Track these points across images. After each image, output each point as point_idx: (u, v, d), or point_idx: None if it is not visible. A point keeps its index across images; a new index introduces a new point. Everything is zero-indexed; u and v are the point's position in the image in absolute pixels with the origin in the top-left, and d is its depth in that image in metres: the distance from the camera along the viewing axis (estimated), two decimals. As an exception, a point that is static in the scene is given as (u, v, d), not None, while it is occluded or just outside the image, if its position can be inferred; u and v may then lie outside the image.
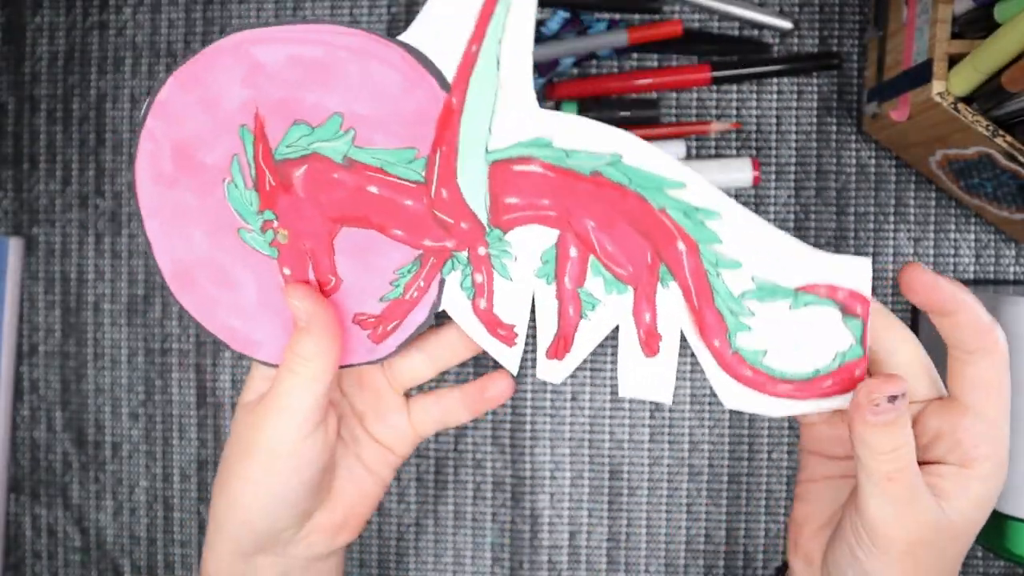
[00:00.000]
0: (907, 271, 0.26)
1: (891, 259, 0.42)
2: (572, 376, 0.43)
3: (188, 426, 0.45)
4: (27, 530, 0.46)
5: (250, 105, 0.27)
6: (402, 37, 0.26)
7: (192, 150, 0.28)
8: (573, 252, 0.28)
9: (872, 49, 0.40)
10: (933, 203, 0.42)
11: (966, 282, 0.41)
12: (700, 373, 0.43)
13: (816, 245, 0.42)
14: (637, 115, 0.42)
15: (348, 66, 0.26)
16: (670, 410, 0.43)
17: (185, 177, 0.28)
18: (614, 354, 0.43)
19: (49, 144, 0.45)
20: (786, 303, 0.26)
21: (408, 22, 0.43)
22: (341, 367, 0.31)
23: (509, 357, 0.30)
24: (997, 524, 0.34)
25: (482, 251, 0.28)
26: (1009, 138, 0.32)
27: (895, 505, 0.25)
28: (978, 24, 0.31)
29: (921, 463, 0.26)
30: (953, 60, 0.32)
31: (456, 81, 0.26)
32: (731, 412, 0.43)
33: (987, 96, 0.32)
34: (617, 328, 0.29)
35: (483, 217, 0.28)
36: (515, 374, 0.31)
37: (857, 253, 0.41)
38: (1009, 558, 0.35)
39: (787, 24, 0.41)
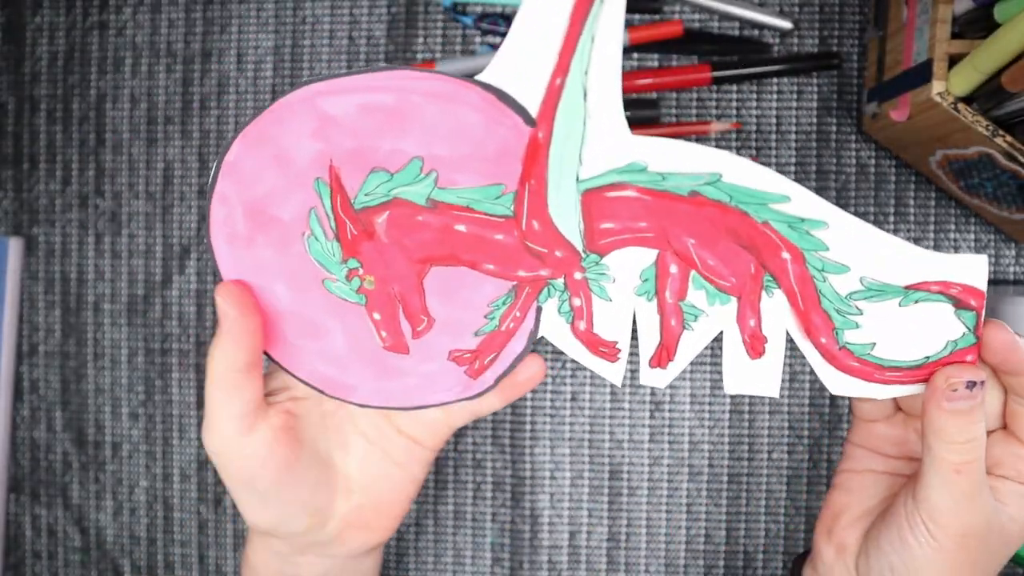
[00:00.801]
0: (989, 330, 0.26)
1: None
2: (572, 376, 0.43)
3: (188, 426, 0.45)
4: (27, 530, 0.46)
5: (323, 158, 0.27)
6: (480, 77, 0.26)
7: (266, 207, 0.27)
8: (673, 269, 0.28)
9: (872, 49, 0.40)
10: (933, 203, 0.42)
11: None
12: (700, 373, 0.43)
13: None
14: (637, 115, 0.42)
15: (424, 110, 0.26)
16: (670, 410, 0.43)
17: (261, 235, 0.28)
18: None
19: (49, 144, 0.45)
20: (895, 301, 0.27)
21: (408, 22, 0.43)
22: (432, 406, 0.31)
23: (612, 372, 0.30)
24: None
25: (578, 276, 0.28)
26: (1009, 138, 0.32)
27: (956, 498, 0.26)
28: (978, 24, 0.31)
29: None
30: (953, 60, 0.32)
31: (541, 115, 0.26)
32: (731, 412, 0.43)
33: (987, 96, 0.32)
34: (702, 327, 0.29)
35: (578, 244, 0.28)
36: (619, 386, 0.31)
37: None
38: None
39: (787, 24, 0.41)
